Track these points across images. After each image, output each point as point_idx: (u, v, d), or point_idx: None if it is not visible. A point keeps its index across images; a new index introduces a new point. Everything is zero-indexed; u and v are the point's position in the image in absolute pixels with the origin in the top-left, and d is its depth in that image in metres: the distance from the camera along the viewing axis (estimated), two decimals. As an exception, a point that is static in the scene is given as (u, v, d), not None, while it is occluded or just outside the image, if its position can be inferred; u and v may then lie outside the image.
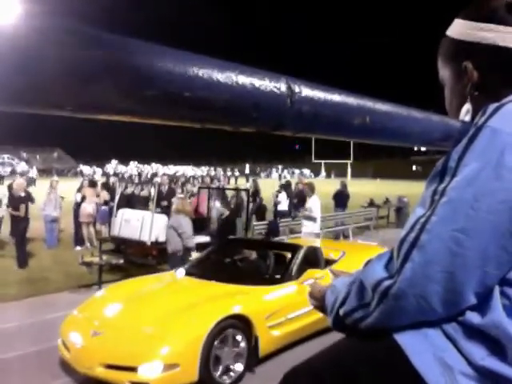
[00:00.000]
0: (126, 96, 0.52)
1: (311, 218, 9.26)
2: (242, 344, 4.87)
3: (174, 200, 9.53)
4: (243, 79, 0.61)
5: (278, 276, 5.90)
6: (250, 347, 4.93)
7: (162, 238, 9.04)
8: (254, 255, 6.84)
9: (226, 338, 4.74)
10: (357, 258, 6.35)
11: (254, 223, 11.98)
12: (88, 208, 11.70)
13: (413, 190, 12.05)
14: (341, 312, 0.85)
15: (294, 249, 6.36)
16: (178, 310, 4.86)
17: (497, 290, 0.73)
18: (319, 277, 5.33)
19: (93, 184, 12.82)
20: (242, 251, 7.04)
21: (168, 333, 4.51)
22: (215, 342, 4.59)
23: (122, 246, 9.39)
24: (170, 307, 4.98)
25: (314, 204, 9.28)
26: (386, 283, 0.75)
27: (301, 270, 5.90)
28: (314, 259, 6.37)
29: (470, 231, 0.70)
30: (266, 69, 0.67)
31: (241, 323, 4.86)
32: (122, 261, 8.50)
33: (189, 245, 7.57)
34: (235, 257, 6.95)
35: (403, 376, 0.77)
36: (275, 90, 0.65)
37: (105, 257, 8.46)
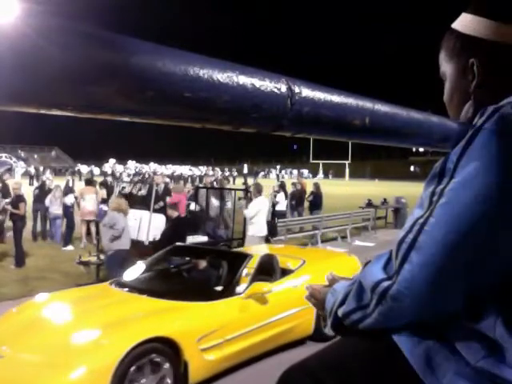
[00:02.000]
0: (127, 96, 0.52)
1: (251, 221, 8.86)
2: (166, 371, 4.18)
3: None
4: (243, 79, 0.61)
5: (220, 290, 5.20)
6: (178, 375, 4.25)
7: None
8: (197, 265, 6.08)
9: (145, 366, 4.03)
10: (318, 267, 6.06)
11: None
12: (88, 206, 11.71)
13: (411, 190, 12.07)
14: (339, 313, 0.85)
15: (242, 258, 5.63)
16: (92, 332, 4.16)
17: (494, 291, 0.73)
18: (266, 291, 5.06)
19: (90, 182, 12.83)
20: (185, 260, 6.26)
21: (74, 360, 3.78)
22: (130, 370, 3.88)
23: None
24: (83, 328, 4.26)
25: (255, 205, 8.87)
26: (385, 284, 0.75)
27: (249, 282, 5.29)
28: (268, 269, 5.77)
29: (468, 233, 0.70)
30: (266, 69, 0.67)
31: (165, 347, 4.17)
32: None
33: (118, 242, 7.37)
34: (177, 267, 6.19)
35: (400, 376, 0.77)
36: (275, 90, 0.65)
37: (102, 256, 8.45)
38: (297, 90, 0.68)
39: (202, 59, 0.58)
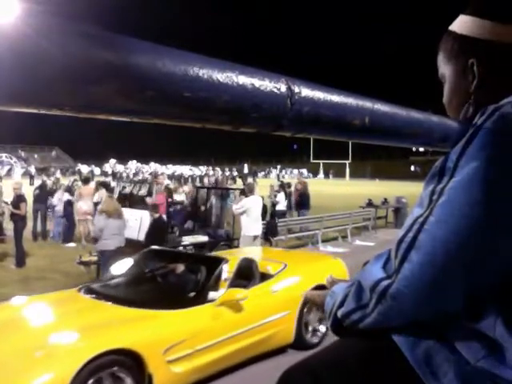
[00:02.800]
0: (127, 96, 0.52)
1: (242, 219, 8.89)
2: None
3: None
4: (243, 79, 0.61)
5: (191, 297, 4.91)
6: None
7: (160, 238, 9.03)
8: (169, 270, 5.81)
9: (105, 380, 3.77)
10: (300, 271, 5.91)
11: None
12: (83, 206, 11.76)
13: (411, 190, 12.06)
14: (339, 314, 0.85)
15: (217, 263, 5.31)
16: (48, 342, 3.90)
17: (494, 291, 0.73)
18: (241, 297, 4.78)
19: (87, 181, 12.86)
20: (158, 265, 5.94)
21: (28, 370, 3.52)
22: None
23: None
24: (42, 337, 4.00)
25: (243, 203, 8.87)
26: (384, 283, 0.75)
27: (227, 288, 5.06)
28: (247, 274, 5.50)
29: (468, 232, 0.70)
30: (265, 69, 0.67)
31: (128, 359, 3.90)
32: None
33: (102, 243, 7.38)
34: (148, 272, 5.87)
35: (400, 376, 0.77)
36: (275, 90, 0.65)
37: (103, 256, 8.45)
38: (296, 89, 0.68)
39: (201, 59, 0.58)
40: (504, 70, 0.86)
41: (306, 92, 0.69)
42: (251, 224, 8.81)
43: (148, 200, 12.08)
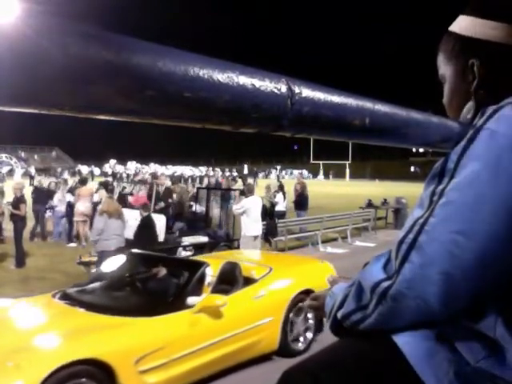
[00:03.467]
0: (127, 96, 0.52)
1: (242, 220, 8.92)
2: None
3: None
4: (244, 80, 0.61)
5: (167, 303, 4.73)
6: None
7: (160, 238, 9.04)
8: (147, 275, 5.63)
9: None
10: (286, 275, 5.75)
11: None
12: (81, 207, 11.78)
13: (411, 191, 12.06)
14: (339, 315, 0.85)
15: (197, 267, 5.12)
16: (14, 351, 3.66)
17: (495, 292, 0.73)
18: (220, 304, 4.55)
19: (84, 182, 12.86)
20: (136, 270, 5.74)
21: None
22: None
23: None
24: (9, 345, 3.77)
25: (243, 203, 8.89)
26: (385, 284, 0.75)
27: (210, 293, 4.96)
28: (230, 278, 5.35)
29: (468, 233, 0.70)
30: (266, 69, 0.67)
31: (96, 370, 3.71)
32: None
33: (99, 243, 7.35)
34: (126, 277, 5.66)
35: (401, 376, 0.77)
36: (275, 90, 0.65)
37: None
38: (297, 90, 0.68)
39: (202, 59, 0.58)
40: (504, 70, 0.86)
41: (306, 92, 0.69)
42: (251, 224, 8.83)
43: (130, 199, 12.09)
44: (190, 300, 4.71)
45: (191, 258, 6.62)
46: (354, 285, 0.83)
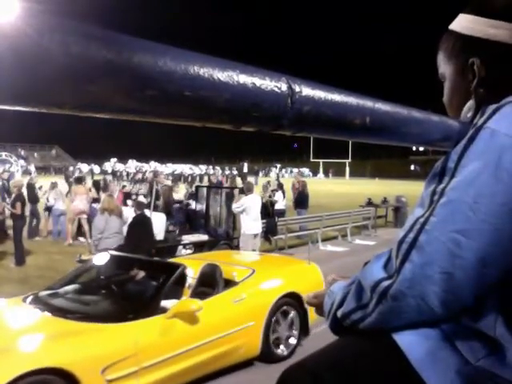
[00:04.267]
0: (127, 95, 0.52)
1: (241, 218, 8.96)
2: None
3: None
4: (244, 78, 0.61)
5: (139, 308, 4.48)
6: None
7: (159, 237, 9.04)
8: (121, 279, 5.40)
9: None
10: (269, 277, 5.52)
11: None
12: (79, 205, 11.82)
13: (411, 189, 12.07)
14: (338, 314, 0.85)
15: (172, 270, 4.85)
16: None
17: (495, 291, 0.73)
18: (195, 309, 4.33)
19: (79, 181, 12.85)
20: (111, 272, 5.52)
21: None
22: None
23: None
24: None
25: (242, 201, 8.93)
26: (385, 284, 0.75)
27: (189, 296, 4.80)
28: (210, 281, 5.17)
29: (469, 233, 0.70)
30: (266, 68, 0.67)
31: (59, 379, 3.49)
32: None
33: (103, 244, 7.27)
34: (99, 280, 5.43)
35: (402, 375, 0.77)
36: (276, 89, 0.65)
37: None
38: (297, 88, 0.68)
39: (202, 58, 0.58)
40: (504, 69, 0.86)
41: (306, 91, 0.69)
42: (251, 222, 8.86)
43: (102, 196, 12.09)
44: (166, 304, 4.50)
45: (170, 259, 6.28)
46: (354, 284, 0.83)
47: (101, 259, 5.58)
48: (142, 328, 4.18)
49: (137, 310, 4.39)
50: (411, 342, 0.77)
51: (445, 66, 0.97)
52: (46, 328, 4.08)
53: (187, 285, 5.19)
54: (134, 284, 5.12)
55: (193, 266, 5.51)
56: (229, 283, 5.24)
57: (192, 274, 5.34)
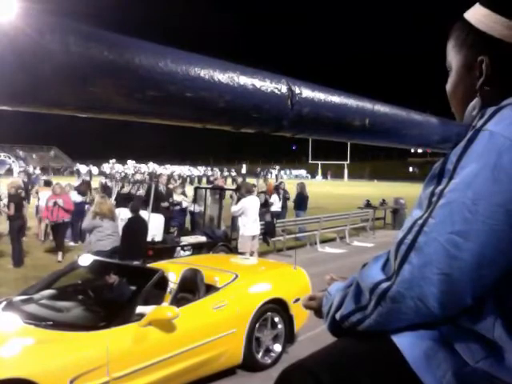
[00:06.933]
0: (128, 96, 0.52)
1: (239, 219, 8.94)
2: None
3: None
4: (244, 80, 0.61)
5: (111, 315, 4.25)
6: None
7: (158, 238, 9.02)
8: (95, 284, 5.22)
9: None
10: (252, 282, 5.33)
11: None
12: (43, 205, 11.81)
13: (409, 191, 12.08)
14: (337, 316, 0.85)
15: (149, 275, 4.64)
16: None
17: (493, 292, 0.73)
18: (171, 316, 4.13)
19: (48, 184, 12.75)
20: (87, 277, 5.35)
21: None
22: None
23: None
24: None
25: (240, 203, 8.93)
26: (384, 285, 0.75)
27: (170, 302, 4.64)
28: (191, 287, 5.00)
29: (468, 234, 0.70)
30: (266, 69, 0.67)
31: None
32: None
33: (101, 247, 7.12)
34: (75, 285, 5.23)
35: (400, 377, 0.77)
36: (276, 91, 0.65)
37: (100, 256, 8.41)
38: (297, 90, 0.68)
39: (203, 60, 0.58)
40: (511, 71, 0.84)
41: (306, 93, 0.69)
42: (249, 224, 8.84)
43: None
44: (144, 310, 4.29)
45: (148, 264, 5.99)
46: (353, 285, 0.83)
47: (81, 263, 5.36)
48: (114, 336, 3.97)
49: (110, 317, 4.18)
50: (410, 344, 0.77)
51: (453, 56, 0.94)
52: (15, 336, 3.93)
53: (168, 290, 5.04)
54: (109, 290, 4.94)
55: (176, 271, 5.34)
56: (210, 289, 5.03)
57: (174, 279, 5.17)
